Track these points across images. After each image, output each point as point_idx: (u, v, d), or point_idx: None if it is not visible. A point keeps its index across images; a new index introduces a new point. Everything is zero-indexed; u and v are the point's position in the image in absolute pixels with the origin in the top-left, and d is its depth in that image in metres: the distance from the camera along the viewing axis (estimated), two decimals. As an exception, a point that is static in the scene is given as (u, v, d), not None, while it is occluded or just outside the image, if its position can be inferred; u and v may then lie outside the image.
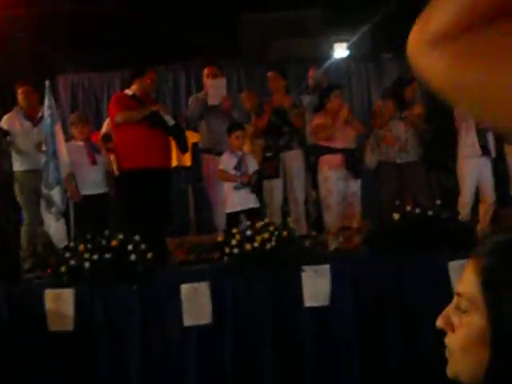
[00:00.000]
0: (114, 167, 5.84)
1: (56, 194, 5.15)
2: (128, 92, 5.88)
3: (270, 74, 6.54)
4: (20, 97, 6.02)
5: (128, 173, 5.66)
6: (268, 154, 6.23)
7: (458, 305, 1.23)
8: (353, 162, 6.00)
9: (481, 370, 1.17)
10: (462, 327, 1.20)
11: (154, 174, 5.61)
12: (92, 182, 5.77)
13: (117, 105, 5.76)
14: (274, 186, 6.24)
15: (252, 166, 5.85)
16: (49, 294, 4.75)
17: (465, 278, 1.22)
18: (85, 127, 5.94)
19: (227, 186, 5.75)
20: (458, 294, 1.23)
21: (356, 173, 6.00)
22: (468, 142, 6.18)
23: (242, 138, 5.86)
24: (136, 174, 5.59)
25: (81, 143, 5.87)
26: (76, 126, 5.94)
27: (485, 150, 6.17)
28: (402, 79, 6.74)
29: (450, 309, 1.25)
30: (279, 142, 6.26)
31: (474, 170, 6.22)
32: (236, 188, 5.68)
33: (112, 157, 5.89)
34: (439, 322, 1.26)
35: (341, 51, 10.61)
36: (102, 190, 5.85)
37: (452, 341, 1.23)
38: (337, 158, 5.98)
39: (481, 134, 6.14)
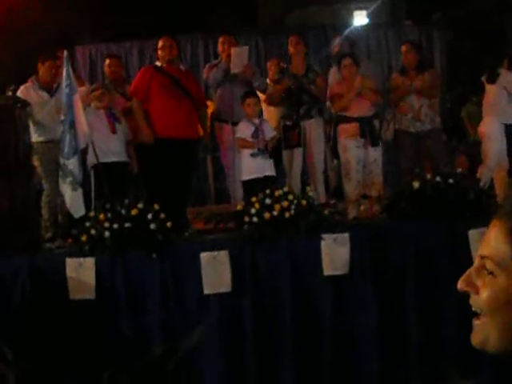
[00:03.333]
0: (145, 134, 5.82)
1: (73, 163, 5.17)
2: (157, 63, 6.02)
3: (291, 37, 6.51)
4: (45, 70, 6.02)
5: (157, 141, 5.71)
6: (288, 123, 6.21)
7: (481, 267, 1.22)
8: (369, 130, 5.97)
9: (510, 333, 1.16)
10: (488, 288, 1.19)
11: (181, 145, 5.68)
12: (112, 150, 5.79)
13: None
14: (294, 155, 6.23)
15: (269, 132, 5.83)
16: (70, 263, 4.79)
17: (489, 240, 1.20)
18: (104, 96, 5.94)
19: (244, 154, 5.74)
20: (482, 257, 1.22)
21: (373, 141, 5.97)
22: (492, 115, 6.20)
23: (255, 105, 5.84)
24: (165, 143, 5.66)
25: (101, 111, 5.88)
26: (100, 97, 5.93)
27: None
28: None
29: (471, 271, 1.25)
30: (299, 111, 6.24)
31: (497, 135, 6.21)
32: (253, 155, 5.67)
33: (142, 124, 5.89)
34: (461, 285, 1.25)
35: (360, 19, 10.49)
36: (121, 158, 5.87)
37: (478, 302, 1.22)
38: (353, 127, 5.97)
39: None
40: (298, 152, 6.25)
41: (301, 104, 6.25)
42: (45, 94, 5.99)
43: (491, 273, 1.20)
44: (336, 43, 7.17)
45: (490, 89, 6.38)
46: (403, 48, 6.48)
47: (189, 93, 5.89)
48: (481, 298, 1.21)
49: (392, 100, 6.40)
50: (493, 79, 6.32)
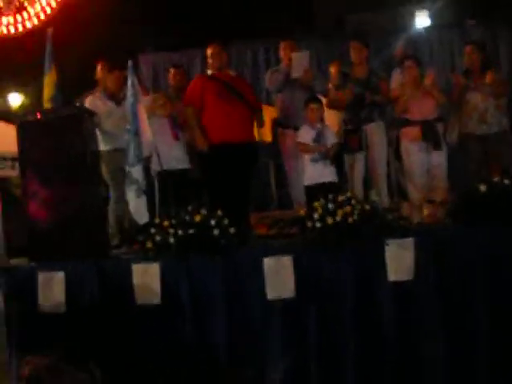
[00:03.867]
0: (199, 142, 5.88)
1: (137, 171, 5.28)
2: (208, 72, 6.10)
3: (353, 43, 6.40)
4: (112, 81, 6.17)
5: (214, 147, 5.75)
6: (349, 127, 6.16)
7: None
8: (431, 134, 5.86)
9: None
10: None
11: (239, 149, 5.71)
12: (175, 158, 5.87)
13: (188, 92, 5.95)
14: (357, 159, 6.18)
15: (331, 138, 5.81)
16: (136, 269, 4.88)
17: None
18: (167, 105, 6.04)
19: (305, 159, 5.73)
20: None
21: (436, 144, 5.86)
22: None
23: (318, 110, 5.83)
24: (222, 149, 5.70)
25: (164, 119, 5.97)
26: (163, 106, 6.03)
27: None
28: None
29: None
30: (360, 115, 6.19)
31: None
32: (313, 160, 5.67)
33: (196, 133, 5.94)
34: None
35: (422, 20, 10.32)
36: (184, 165, 5.95)
37: None
38: (415, 130, 5.89)
39: None
40: (360, 157, 6.20)
41: (362, 107, 6.20)
42: (112, 104, 6.14)
43: None
44: (399, 46, 7.09)
45: None
46: (467, 49, 6.35)
47: (242, 97, 5.92)
48: None
49: (456, 101, 6.27)
50: None
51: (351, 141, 6.15)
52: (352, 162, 6.19)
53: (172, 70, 6.86)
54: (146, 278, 4.86)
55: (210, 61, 6.06)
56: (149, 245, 4.88)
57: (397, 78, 6.52)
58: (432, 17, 10.25)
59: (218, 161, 5.78)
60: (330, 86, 6.66)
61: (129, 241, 5.69)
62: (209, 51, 6.05)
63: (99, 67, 6.55)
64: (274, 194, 7.93)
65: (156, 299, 4.84)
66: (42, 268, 4.95)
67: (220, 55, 6.03)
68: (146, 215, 5.22)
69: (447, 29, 9.78)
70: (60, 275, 4.91)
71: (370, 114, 6.22)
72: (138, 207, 5.27)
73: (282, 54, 6.54)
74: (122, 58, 6.39)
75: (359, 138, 6.15)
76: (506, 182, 4.93)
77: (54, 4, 7.43)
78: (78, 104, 6.19)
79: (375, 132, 6.23)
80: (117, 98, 6.17)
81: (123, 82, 6.10)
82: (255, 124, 6.14)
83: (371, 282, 4.81)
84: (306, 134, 5.77)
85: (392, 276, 4.77)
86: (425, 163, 5.90)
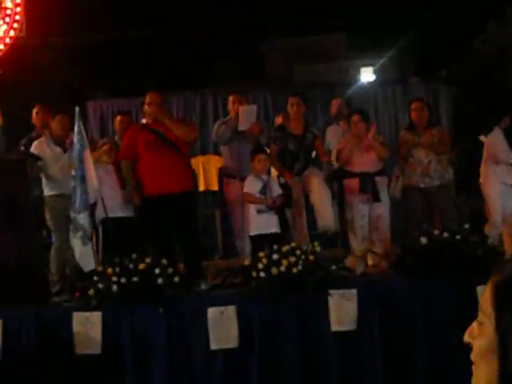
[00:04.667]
0: (133, 197, 5.82)
1: (83, 218, 5.22)
2: (143, 121, 6.02)
3: (292, 99, 6.50)
4: (56, 125, 6.13)
5: (149, 200, 5.71)
6: (281, 182, 6.23)
7: (479, 319, 1.32)
8: (369, 186, 6.00)
9: (495, 380, 1.23)
10: (478, 338, 1.30)
11: (173, 200, 5.64)
12: (120, 206, 5.84)
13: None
14: (298, 209, 6.24)
15: (276, 189, 5.87)
16: (77, 317, 4.78)
17: (484, 294, 1.29)
18: (112, 152, 6.02)
19: (251, 210, 5.77)
20: (480, 309, 1.29)
21: (375, 197, 5.99)
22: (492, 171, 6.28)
23: (265, 161, 5.89)
24: (156, 201, 5.65)
25: (110, 166, 5.93)
26: (108, 153, 6.00)
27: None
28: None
29: (474, 324, 1.34)
30: (294, 167, 6.28)
31: (499, 194, 6.27)
32: (259, 211, 5.70)
33: (130, 187, 5.87)
34: (465, 337, 1.34)
35: (367, 75, 10.64)
36: (129, 213, 5.91)
37: (472, 352, 1.32)
38: (355, 182, 6.02)
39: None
40: (302, 205, 6.26)
41: (296, 160, 6.31)
42: (58, 149, 6.09)
43: (481, 323, 1.29)
44: (334, 103, 7.27)
45: (488, 142, 6.47)
46: (415, 105, 6.54)
47: (175, 145, 5.81)
48: (474, 346, 1.30)
49: (401, 156, 6.45)
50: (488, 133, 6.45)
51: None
52: (293, 212, 6.24)
53: (118, 117, 6.84)
54: (87, 326, 4.76)
55: (146, 108, 5.94)
56: (91, 293, 4.79)
57: (333, 133, 6.68)
58: (376, 73, 10.59)
59: (152, 213, 5.71)
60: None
61: (71, 288, 5.58)
62: (147, 99, 5.93)
63: (34, 111, 6.49)
64: (219, 243, 7.91)
65: (96, 349, 4.74)
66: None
67: (156, 104, 5.88)
68: (93, 263, 5.14)
69: (391, 85, 10.09)
70: (-3, 323, 4.77)
71: (304, 167, 6.33)
72: (84, 254, 5.19)
73: (230, 106, 6.61)
74: (68, 103, 6.39)
75: (289, 195, 6.19)
76: (445, 235, 5.07)
77: (2, 47, 7.37)
78: (22, 148, 6.12)
79: (313, 175, 6.32)
80: (63, 143, 6.12)
81: (68, 128, 6.06)
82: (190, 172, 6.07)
83: (314, 332, 4.83)
84: (252, 185, 5.82)
85: (335, 326, 4.80)
86: (365, 214, 6.02)
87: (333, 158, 6.42)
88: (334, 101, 7.38)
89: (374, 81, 10.67)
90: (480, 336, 1.29)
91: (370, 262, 5.93)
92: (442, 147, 6.40)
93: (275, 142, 6.37)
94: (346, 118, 6.66)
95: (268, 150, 6.47)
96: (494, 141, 6.42)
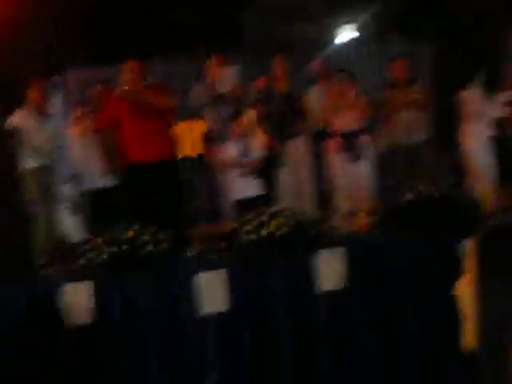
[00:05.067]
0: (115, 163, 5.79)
1: (68, 189, 5.20)
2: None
3: (276, 57, 6.48)
4: (34, 94, 6.03)
5: (132, 167, 5.69)
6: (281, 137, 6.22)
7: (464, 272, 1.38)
8: (350, 145, 6.00)
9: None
10: (464, 287, 1.35)
11: (156, 167, 5.61)
12: (104, 175, 5.81)
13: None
14: (282, 173, 6.25)
15: (256, 152, 5.86)
16: (67, 288, 4.79)
17: (468, 249, 1.35)
18: (91, 122, 5.97)
19: (233, 174, 5.76)
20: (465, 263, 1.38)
21: (356, 155, 6.00)
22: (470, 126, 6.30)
23: (243, 125, 5.86)
24: (139, 169, 5.62)
25: (91, 137, 5.90)
26: (81, 120, 5.95)
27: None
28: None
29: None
30: (286, 131, 6.27)
31: (479, 150, 6.32)
32: (241, 175, 5.70)
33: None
34: (454, 290, 1.45)
35: (348, 33, 10.55)
36: (114, 182, 5.89)
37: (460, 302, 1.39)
38: (336, 142, 6.02)
39: None
40: (285, 170, 6.27)
41: (288, 124, 6.28)
42: (40, 119, 6.01)
43: (466, 276, 1.36)
44: (314, 63, 7.21)
45: (464, 97, 6.48)
46: (396, 63, 6.51)
47: (158, 112, 5.78)
48: (460, 298, 1.39)
49: (383, 114, 6.45)
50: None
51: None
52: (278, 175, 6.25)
53: (98, 86, 6.76)
54: (78, 297, 4.77)
55: (124, 76, 5.89)
56: (80, 263, 4.80)
57: (316, 94, 6.66)
58: (358, 30, 10.50)
59: (136, 181, 5.69)
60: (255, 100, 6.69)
61: (59, 259, 5.58)
62: (126, 67, 5.88)
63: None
64: (203, 209, 7.91)
65: (88, 319, 4.76)
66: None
67: (135, 72, 5.85)
68: (80, 233, 5.14)
69: (370, 43, 10.02)
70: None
71: (294, 130, 6.31)
72: (71, 225, 5.18)
73: (210, 68, 6.55)
74: (47, 73, 6.29)
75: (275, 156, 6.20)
76: (429, 190, 5.10)
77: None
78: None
79: (299, 146, 6.32)
80: (45, 114, 6.04)
81: (47, 96, 5.97)
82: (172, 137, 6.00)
83: (304, 292, 4.87)
84: (230, 150, 5.80)
85: (324, 285, 4.84)
86: (348, 173, 6.03)
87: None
88: (315, 60, 7.32)
89: (354, 39, 10.58)
90: (465, 286, 1.34)
91: (355, 220, 5.96)
92: (423, 104, 6.41)
93: (260, 103, 6.35)
94: (327, 76, 6.63)
95: (250, 113, 6.45)
96: (471, 96, 6.44)
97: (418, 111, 6.36)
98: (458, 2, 9.61)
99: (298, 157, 6.30)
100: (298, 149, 6.31)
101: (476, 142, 6.42)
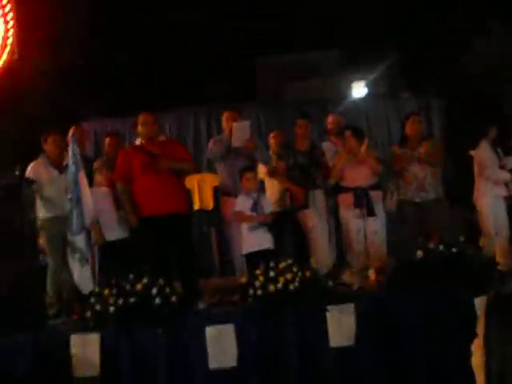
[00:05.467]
0: (128, 219, 5.82)
1: (80, 240, 5.22)
2: (137, 142, 6.01)
3: (300, 121, 6.61)
4: (50, 146, 6.12)
5: (144, 221, 5.71)
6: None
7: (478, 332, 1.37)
8: (363, 200, 6.01)
9: None
10: (476, 350, 1.36)
11: (168, 221, 5.64)
12: (117, 227, 5.84)
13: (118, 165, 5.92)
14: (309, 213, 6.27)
15: (267, 206, 5.90)
16: (74, 339, 4.77)
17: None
18: (109, 173, 6.03)
19: (244, 228, 5.80)
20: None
21: (369, 211, 6.00)
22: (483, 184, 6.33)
23: (253, 179, 5.92)
24: (151, 222, 5.65)
25: (105, 189, 5.95)
26: (100, 171, 6.04)
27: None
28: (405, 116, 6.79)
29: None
30: (305, 184, 6.31)
31: (491, 207, 6.33)
32: (252, 229, 5.72)
33: (126, 209, 5.86)
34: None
35: (359, 90, 10.69)
36: (124, 234, 5.92)
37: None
38: (349, 197, 6.04)
39: None
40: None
41: (308, 176, 6.35)
42: (55, 171, 6.08)
43: (478, 337, 1.37)
44: (330, 119, 7.27)
45: (476, 156, 6.52)
46: (412, 119, 6.56)
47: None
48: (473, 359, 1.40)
49: (395, 171, 6.47)
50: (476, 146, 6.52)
51: (296, 199, 6.25)
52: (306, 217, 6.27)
53: (107, 139, 6.85)
54: (85, 349, 4.74)
55: (140, 129, 5.94)
56: (88, 314, 4.78)
57: (328, 149, 6.74)
58: (368, 87, 10.64)
59: (148, 234, 5.71)
60: (271, 154, 6.79)
61: (68, 311, 5.56)
62: (140, 119, 5.94)
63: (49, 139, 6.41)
64: (216, 262, 7.91)
65: (95, 371, 4.72)
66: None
67: (151, 124, 5.92)
68: (91, 284, 5.13)
69: (383, 99, 10.13)
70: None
71: (313, 183, 6.36)
72: (82, 276, 5.18)
73: (224, 124, 6.64)
74: (60, 125, 6.38)
75: (305, 196, 6.24)
76: (441, 248, 5.09)
77: (-5, 70, 7.40)
78: (17, 172, 6.12)
79: (318, 198, 6.35)
80: (60, 165, 6.11)
81: (62, 148, 6.06)
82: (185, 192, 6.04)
83: (313, 348, 4.82)
84: (242, 203, 5.84)
85: (334, 342, 4.79)
86: (361, 229, 6.03)
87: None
88: (329, 117, 7.38)
89: (366, 95, 10.72)
90: (476, 349, 1.35)
91: (366, 276, 5.93)
92: (436, 160, 6.43)
93: (282, 159, 6.41)
94: (339, 133, 6.70)
95: (262, 167, 6.50)
96: (481, 156, 6.48)
97: (430, 167, 6.38)
98: (465, 65, 9.77)
99: (317, 209, 6.32)
100: (317, 201, 6.33)
101: (490, 200, 6.43)
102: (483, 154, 6.48)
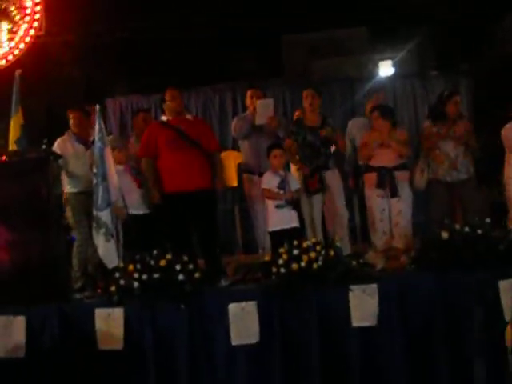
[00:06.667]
0: (152, 195, 5.83)
1: (106, 215, 5.25)
2: (163, 118, 6.01)
3: (306, 92, 6.47)
4: (71, 122, 6.18)
5: (168, 197, 5.72)
6: (306, 173, 6.20)
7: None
8: (387, 181, 5.95)
9: None
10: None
11: (192, 198, 5.65)
12: (136, 204, 5.86)
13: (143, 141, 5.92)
14: (314, 204, 6.22)
15: (294, 184, 5.88)
16: (99, 314, 4.83)
17: None
18: (122, 151, 6.01)
19: (270, 205, 5.78)
20: None
21: (392, 192, 5.95)
22: None
23: (281, 156, 5.89)
24: (175, 199, 5.66)
25: (120, 167, 5.89)
26: (119, 149, 6.00)
27: None
28: (442, 95, 6.64)
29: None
30: (316, 163, 6.24)
31: None
32: (278, 207, 5.71)
33: (150, 185, 5.87)
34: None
35: (386, 69, 10.56)
36: (146, 210, 5.92)
37: None
38: (373, 177, 5.99)
39: None
40: (317, 198, 6.23)
41: (317, 157, 6.26)
42: (81, 147, 6.13)
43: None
44: (374, 99, 7.13)
45: (503, 135, 6.40)
46: (454, 99, 6.45)
47: (196, 143, 5.82)
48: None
49: (426, 148, 6.39)
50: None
51: (311, 183, 6.19)
52: (309, 207, 6.22)
53: (141, 114, 6.86)
54: (109, 323, 4.81)
55: (168, 104, 5.94)
56: (113, 289, 4.84)
57: (357, 125, 6.65)
58: (395, 66, 10.51)
59: (172, 210, 5.72)
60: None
61: (93, 285, 5.63)
62: (167, 95, 5.94)
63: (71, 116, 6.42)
64: (239, 239, 7.94)
65: (118, 345, 4.78)
66: (1, 312, 4.86)
67: (178, 99, 5.93)
68: (116, 259, 5.18)
69: (410, 79, 10.02)
70: (20, 319, 4.83)
71: (325, 163, 6.29)
72: (107, 251, 5.23)
73: (248, 101, 6.62)
74: (86, 102, 6.40)
75: (318, 180, 6.19)
76: (467, 229, 5.04)
77: (22, 46, 7.44)
78: (44, 147, 6.17)
79: (331, 178, 6.29)
80: (86, 141, 6.15)
81: (86, 125, 6.09)
82: (212, 169, 5.95)
83: (335, 327, 4.83)
84: (270, 181, 5.83)
85: (356, 322, 4.80)
86: (385, 209, 5.98)
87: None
88: (374, 96, 7.23)
89: (394, 74, 10.59)
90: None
91: (389, 257, 5.90)
92: (470, 140, 6.36)
93: (292, 135, 6.35)
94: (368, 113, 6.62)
95: (288, 144, 6.47)
96: (508, 133, 6.37)
97: (465, 146, 6.30)
98: (498, 43, 9.59)
99: (329, 188, 6.25)
100: (330, 181, 6.26)
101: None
102: (510, 130, 6.37)
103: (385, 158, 6.03)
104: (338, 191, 6.32)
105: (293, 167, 6.53)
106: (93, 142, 5.87)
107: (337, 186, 6.31)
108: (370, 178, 6.05)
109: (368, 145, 6.10)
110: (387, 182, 5.95)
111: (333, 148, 6.36)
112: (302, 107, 6.69)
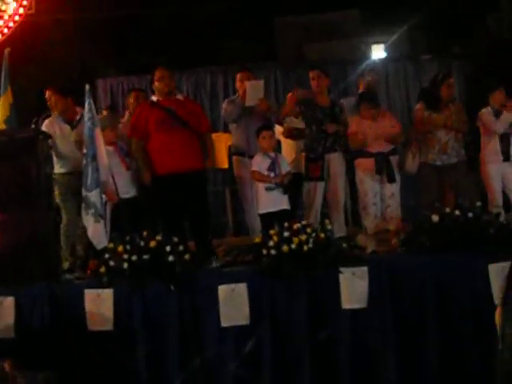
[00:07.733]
0: (142, 176, 5.79)
1: (95, 196, 5.21)
2: (153, 98, 5.94)
3: (313, 72, 6.41)
4: (59, 102, 6.08)
5: (159, 178, 5.69)
6: (311, 156, 6.18)
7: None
8: (385, 167, 5.95)
9: None
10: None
11: (183, 178, 5.62)
12: (126, 186, 5.81)
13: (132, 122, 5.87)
14: (317, 188, 6.20)
15: (285, 166, 5.85)
16: (88, 294, 4.82)
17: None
18: (114, 130, 5.95)
19: (259, 188, 5.76)
20: None
21: (390, 177, 5.95)
22: (491, 148, 6.24)
23: (271, 138, 5.85)
24: (166, 180, 5.63)
25: (110, 148, 5.77)
26: (107, 130, 5.91)
27: (506, 155, 6.28)
28: (436, 78, 6.61)
29: None
30: (324, 144, 6.20)
31: (497, 175, 6.24)
32: (268, 189, 5.69)
33: (139, 165, 5.82)
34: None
35: (378, 52, 10.55)
36: (135, 193, 5.88)
37: None
38: (369, 162, 5.98)
39: (503, 140, 6.27)
40: (320, 185, 6.22)
41: (325, 137, 6.22)
42: (66, 127, 6.06)
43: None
44: (365, 78, 7.09)
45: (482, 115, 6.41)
46: (447, 82, 6.41)
47: (187, 123, 5.76)
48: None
49: (418, 133, 6.36)
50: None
51: (313, 169, 6.17)
52: (311, 190, 6.21)
53: (133, 93, 6.78)
54: (99, 304, 4.80)
55: (157, 84, 5.85)
56: (102, 270, 4.82)
57: (351, 105, 6.61)
58: (388, 50, 10.49)
59: (162, 192, 5.69)
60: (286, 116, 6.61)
61: (82, 266, 5.61)
62: (157, 74, 5.85)
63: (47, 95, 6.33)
64: (229, 221, 7.93)
65: (108, 325, 4.78)
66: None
67: (168, 79, 5.84)
68: (105, 240, 5.15)
69: (402, 62, 9.99)
70: (10, 300, 4.81)
71: (333, 144, 6.26)
72: (96, 232, 5.19)
73: (237, 84, 6.56)
74: (78, 81, 6.33)
75: (320, 168, 6.17)
76: (457, 212, 5.05)
77: (11, 24, 7.36)
78: (33, 126, 6.12)
79: (336, 162, 6.27)
80: (72, 121, 6.08)
81: (64, 105, 6.00)
82: (203, 150, 5.90)
83: (325, 310, 4.84)
84: (260, 163, 5.79)
85: (346, 304, 4.81)
86: (378, 193, 5.99)
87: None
88: (366, 74, 7.22)
89: (386, 58, 10.58)
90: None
91: (380, 239, 5.90)
92: (462, 124, 6.34)
93: (301, 114, 6.28)
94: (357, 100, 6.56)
95: (278, 128, 6.44)
96: (484, 117, 6.37)
97: (456, 131, 6.29)
98: (490, 27, 9.58)
99: (334, 171, 6.24)
100: (335, 165, 6.24)
101: (491, 166, 6.30)
102: (486, 111, 6.37)
103: (381, 144, 6.01)
104: (341, 176, 6.30)
105: (284, 149, 6.51)
106: (78, 121, 5.82)
107: (339, 172, 6.29)
108: (364, 162, 6.03)
109: (359, 134, 6.07)
110: (384, 167, 5.94)
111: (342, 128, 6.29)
112: (293, 90, 6.65)
